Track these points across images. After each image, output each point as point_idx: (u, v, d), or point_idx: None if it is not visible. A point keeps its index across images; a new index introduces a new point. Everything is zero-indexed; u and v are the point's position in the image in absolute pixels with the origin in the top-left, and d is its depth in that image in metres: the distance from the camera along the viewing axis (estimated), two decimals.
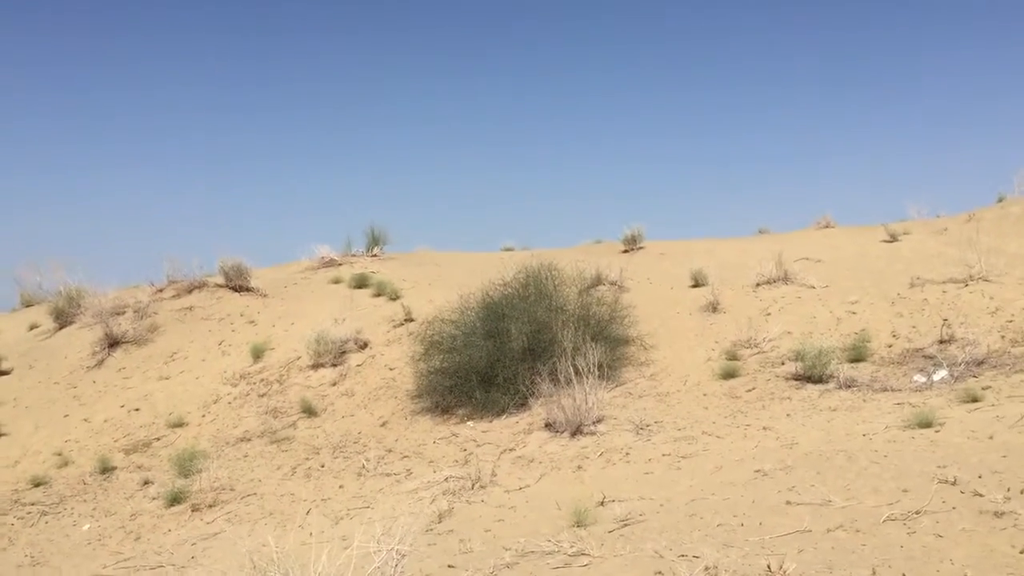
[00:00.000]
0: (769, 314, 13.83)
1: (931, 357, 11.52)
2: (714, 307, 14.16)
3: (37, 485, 11.89)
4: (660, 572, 5.48)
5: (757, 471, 8.04)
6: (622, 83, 61.65)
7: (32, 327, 17.53)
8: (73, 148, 59.22)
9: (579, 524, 7.05)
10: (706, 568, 5.25)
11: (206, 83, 60.20)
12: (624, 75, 61.33)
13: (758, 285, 14.94)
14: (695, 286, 15.27)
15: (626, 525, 6.81)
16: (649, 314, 14.05)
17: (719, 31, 59.52)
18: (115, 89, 59.23)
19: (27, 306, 19.42)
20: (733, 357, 12.48)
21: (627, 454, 9.63)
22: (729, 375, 11.91)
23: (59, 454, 12.73)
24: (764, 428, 9.79)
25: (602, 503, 7.67)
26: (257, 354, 14.74)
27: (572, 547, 6.21)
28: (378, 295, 16.51)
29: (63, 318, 16.74)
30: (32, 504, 11.23)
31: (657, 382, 12.24)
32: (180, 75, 60.49)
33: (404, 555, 5.50)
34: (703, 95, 60.44)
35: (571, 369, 10.83)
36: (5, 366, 15.60)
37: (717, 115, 60.99)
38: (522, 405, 11.85)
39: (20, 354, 16.09)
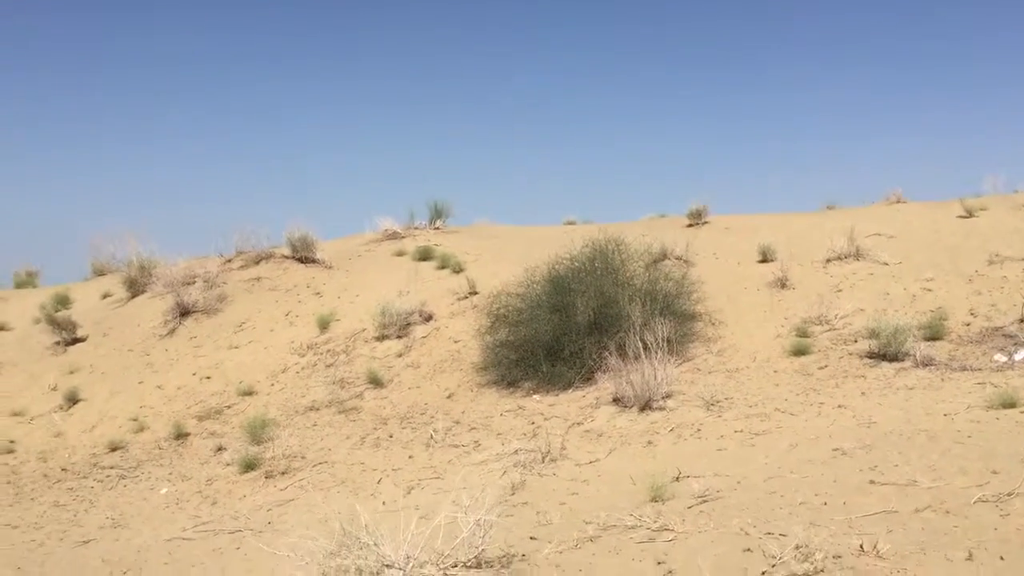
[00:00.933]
0: (840, 291, 13.57)
1: (1012, 336, 11.22)
2: (783, 283, 13.94)
3: (114, 449, 12.21)
4: (749, 549, 5.42)
5: (835, 450, 7.91)
6: (685, 56, 60.78)
7: (105, 296, 17.93)
8: (143, 118, 60.33)
9: (656, 499, 7.00)
10: (796, 546, 5.18)
11: (274, 53, 60.80)
12: (688, 48, 60.45)
13: (828, 261, 14.67)
14: (763, 261, 15.04)
15: (705, 501, 6.75)
16: (716, 289, 13.89)
17: (781, 3, 58.29)
18: (188, 63, 60.12)
19: (99, 275, 19.86)
20: (804, 334, 12.28)
21: (698, 430, 9.56)
22: (800, 352, 11.73)
23: (135, 419, 13.04)
24: (839, 406, 9.63)
25: (677, 479, 7.60)
26: (323, 325, 14.90)
27: (655, 522, 6.17)
28: (442, 268, 16.56)
29: (135, 287, 17.11)
30: (110, 467, 11.54)
31: (726, 358, 12.11)
32: (248, 46, 61.15)
33: (491, 526, 5.52)
34: (766, 68, 59.33)
35: (639, 344, 10.77)
36: (80, 333, 16.00)
37: (780, 88, 59.81)
38: (588, 379, 11.82)
39: (94, 322, 16.49)
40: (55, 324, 15.95)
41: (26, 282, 21.26)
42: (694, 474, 7.72)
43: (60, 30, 57.46)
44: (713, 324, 13.00)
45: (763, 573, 5.07)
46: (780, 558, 5.16)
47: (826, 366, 11.24)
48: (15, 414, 13.76)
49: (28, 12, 55.95)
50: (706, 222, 18.51)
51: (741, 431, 9.26)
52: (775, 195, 57.44)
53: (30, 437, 13.06)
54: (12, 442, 12.86)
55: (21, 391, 14.52)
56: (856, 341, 11.85)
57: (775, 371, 11.42)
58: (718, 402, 10.25)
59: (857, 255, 14.56)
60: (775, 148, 58.94)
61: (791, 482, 7.08)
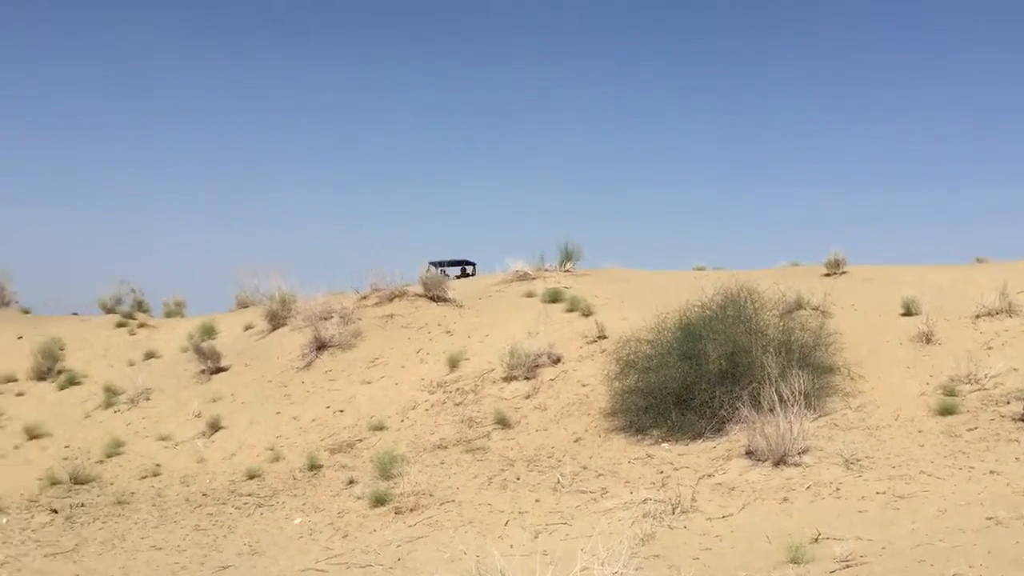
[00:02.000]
0: (991, 348, 12.87)
1: None
2: (927, 338, 13.32)
3: (252, 477, 12.65)
4: None
5: (989, 518, 7.48)
6: (825, 101, 59.46)
7: (247, 327, 18.72)
8: (288, 160, 63.16)
9: (794, 561, 6.77)
10: None
11: (418, 91, 62.75)
12: (827, 92, 59.13)
13: (978, 316, 13.95)
14: (906, 314, 14.42)
15: (848, 567, 6.48)
16: (855, 342, 13.37)
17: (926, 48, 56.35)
18: (324, 109, 62.71)
19: (242, 307, 20.78)
20: (951, 392, 11.67)
21: (837, 489, 9.19)
22: (947, 411, 11.15)
23: (271, 449, 13.51)
24: (991, 472, 9.10)
25: (816, 540, 7.34)
26: (453, 363, 15.12)
27: None
28: (571, 310, 16.59)
29: (276, 320, 17.81)
30: (248, 495, 11.96)
31: (866, 414, 11.62)
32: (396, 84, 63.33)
33: None
34: (909, 114, 57.36)
35: (774, 395, 10.47)
36: (224, 363, 16.74)
37: (924, 136, 57.66)
38: (719, 430, 11.55)
39: (237, 353, 17.23)
40: (201, 353, 16.75)
41: (174, 312, 22.42)
42: (834, 536, 7.44)
43: (248, 76, 60.99)
44: (852, 378, 12.51)
45: None
46: None
47: (976, 428, 10.64)
48: (162, 438, 14.47)
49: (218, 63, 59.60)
50: (844, 272, 17.92)
51: (884, 493, 8.86)
52: (919, 246, 55.15)
53: (174, 461, 13.69)
54: (158, 465, 13.52)
55: (168, 416, 15.28)
56: (1008, 403, 11.18)
57: (919, 431, 10.88)
58: (858, 460, 9.85)
59: (1009, 311, 13.79)
60: (919, 197, 56.68)
61: (941, 551, 6.72)
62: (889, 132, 57.91)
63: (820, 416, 11.44)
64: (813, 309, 14.71)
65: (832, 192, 58.91)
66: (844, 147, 59.85)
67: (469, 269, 25.91)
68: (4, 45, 55.83)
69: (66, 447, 14.53)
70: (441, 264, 25.54)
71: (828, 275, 17.89)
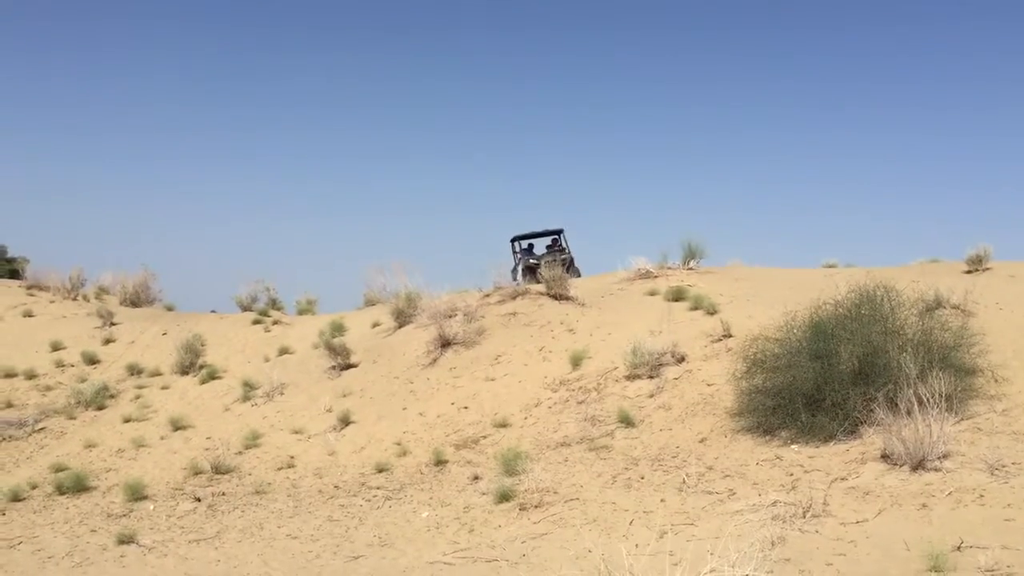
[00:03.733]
0: None
1: None
2: None
3: (380, 471, 13.00)
4: None
5: None
6: (969, 88, 56.65)
7: (374, 325, 19.23)
8: (424, 163, 64.59)
9: (936, 569, 6.50)
10: None
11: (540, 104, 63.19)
12: (973, 80, 56.30)
13: None
14: None
15: None
16: (1000, 343, 12.69)
17: None
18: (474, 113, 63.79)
19: (370, 305, 21.36)
20: None
21: (981, 496, 8.74)
22: None
23: (398, 444, 13.84)
24: None
25: (959, 548, 7.02)
26: (576, 362, 15.13)
27: None
28: (695, 309, 16.34)
29: (402, 318, 18.23)
30: (377, 488, 12.29)
31: (1011, 419, 11.01)
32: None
33: None
34: None
35: (912, 397, 10.03)
36: (353, 359, 17.25)
37: None
38: (852, 432, 11.15)
39: (365, 349, 17.72)
40: (331, 350, 17.30)
41: (306, 309, 23.25)
42: (978, 545, 7.10)
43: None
44: (996, 380, 11.86)
45: None
46: None
47: None
48: (295, 431, 15.03)
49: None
50: (987, 268, 17.02)
51: None
52: None
53: (307, 454, 14.19)
54: (292, 457, 14.04)
55: (301, 411, 15.85)
56: None
57: None
58: (1004, 466, 9.34)
59: None
60: None
61: None
62: None
63: (961, 420, 10.90)
64: (953, 308, 14.03)
65: (972, 185, 56.00)
66: (985, 140, 56.82)
67: (561, 241, 24.57)
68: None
69: (207, 438, 15.27)
70: (524, 238, 24.74)
71: (969, 272, 17.04)
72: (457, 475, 12.33)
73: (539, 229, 24.83)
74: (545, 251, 24.59)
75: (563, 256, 23.25)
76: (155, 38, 62.51)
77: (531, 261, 23.06)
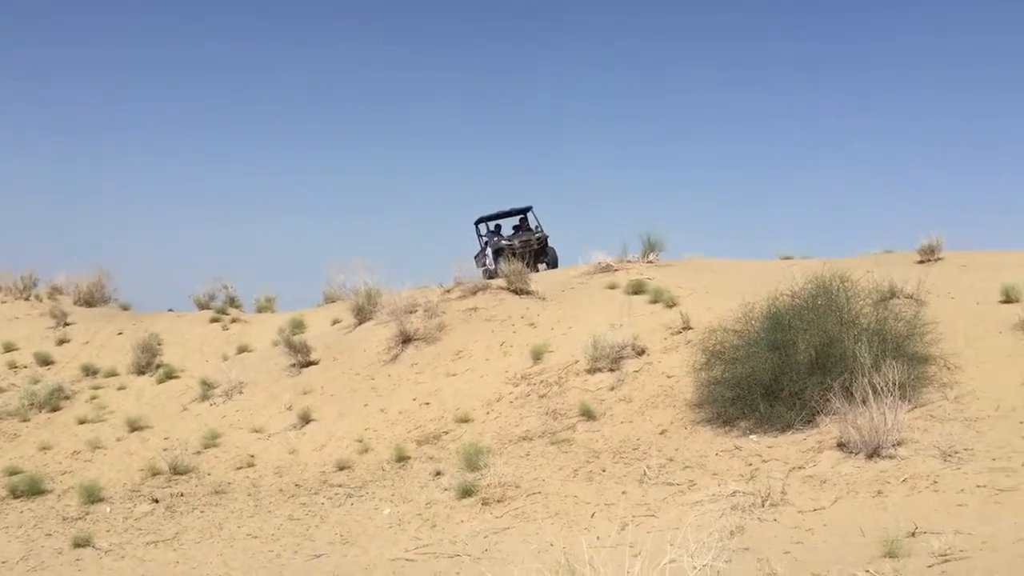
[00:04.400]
0: None
1: None
2: None
3: (342, 468, 12.92)
4: None
5: None
6: (915, 80, 57.56)
7: (335, 322, 19.12)
8: (377, 160, 64.23)
9: (890, 555, 6.59)
10: None
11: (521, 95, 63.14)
12: (920, 73, 57.19)
13: None
14: (1006, 302, 13.87)
15: (947, 561, 6.28)
16: (952, 331, 12.92)
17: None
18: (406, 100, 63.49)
19: (330, 302, 21.24)
20: None
21: (935, 482, 8.89)
22: None
23: (360, 441, 13.77)
24: None
25: (913, 534, 7.13)
26: (537, 356, 15.16)
27: None
28: (654, 301, 16.46)
29: (362, 314, 18.14)
30: (338, 486, 12.21)
31: (963, 406, 11.22)
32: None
33: (719, 572, 5.38)
34: (1006, 93, 55.05)
35: (867, 386, 10.18)
36: (313, 357, 17.14)
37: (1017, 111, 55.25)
38: (809, 421, 11.30)
39: (325, 346, 17.61)
40: (291, 347, 17.17)
41: (265, 307, 23.05)
42: (932, 530, 7.20)
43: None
44: (949, 368, 12.09)
45: None
46: None
47: None
48: (255, 430, 14.90)
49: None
50: (940, 258, 17.33)
51: (984, 486, 8.53)
52: (1019, 230, 52.88)
53: (267, 453, 14.08)
54: (252, 456, 13.92)
55: (260, 409, 15.71)
56: None
57: (1021, 422, 10.43)
58: (956, 453, 9.50)
59: None
60: (1019, 179, 54.38)
61: None
62: (986, 112, 55.65)
63: (915, 407, 11.10)
64: (907, 297, 14.28)
65: (925, 175, 56.97)
66: (938, 128, 57.83)
67: (529, 220, 23.90)
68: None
69: (165, 439, 15.08)
70: (490, 219, 23.91)
71: (922, 262, 17.34)
72: (419, 471, 12.30)
73: (505, 208, 24.13)
74: (513, 232, 23.95)
75: (536, 236, 22.85)
76: (90, 32, 61.45)
77: (502, 243, 22.38)
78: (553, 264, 22.51)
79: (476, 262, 23.29)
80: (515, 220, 24.36)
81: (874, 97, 58.92)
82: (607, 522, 9.23)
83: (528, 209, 23.88)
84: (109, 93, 60.99)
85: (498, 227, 24.22)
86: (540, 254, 22.22)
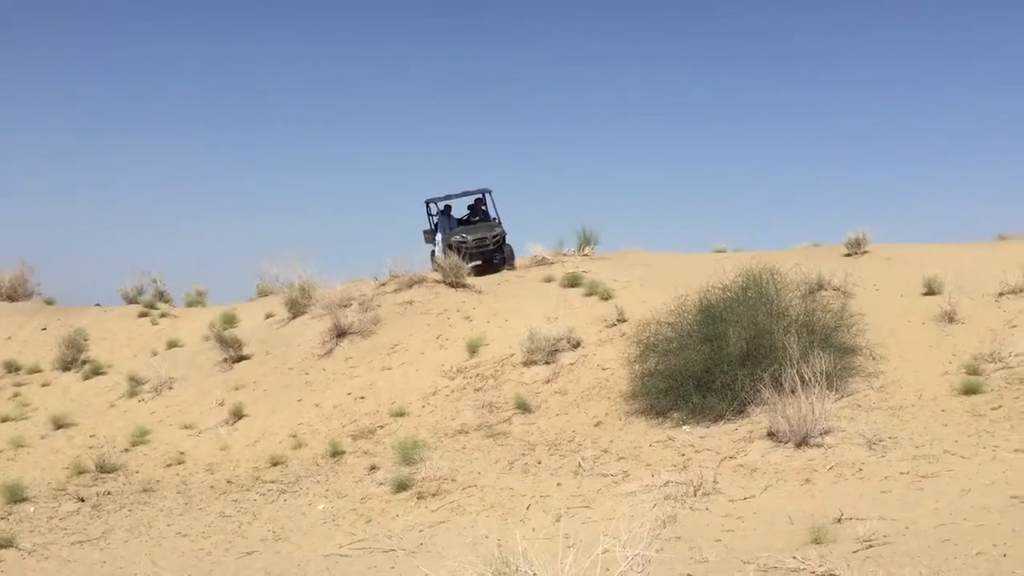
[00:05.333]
0: (1015, 326, 12.76)
1: None
2: (950, 317, 13.23)
3: (275, 464, 12.75)
4: None
5: (1014, 497, 7.41)
6: (840, 78, 58.89)
7: (268, 316, 18.82)
8: (305, 147, 63.33)
9: (817, 541, 6.75)
10: None
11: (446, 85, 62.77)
12: (843, 69, 58.51)
13: (1001, 295, 13.83)
14: (928, 294, 14.31)
15: (871, 546, 6.45)
16: (877, 323, 13.29)
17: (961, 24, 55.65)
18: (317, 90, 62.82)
19: (263, 296, 20.89)
20: (974, 372, 11.58)
21: (860, 469, 9.15)
22: (970, 391, 11.06)
23: (294, 436, 13.60)
24: (1016, 450, 9.03)
25: (839, 520, 7.32)
26: (473, 349, 15.14)
27: (820, 566, 5.95)
28: (590, 294, 16.57)
29: (296, 308, 17.89)
30: (271, 482, 12.05)
31: (888, 395, 11.56)
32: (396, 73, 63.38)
33: (649, 561, 5.45)
34: (931, 89, 56.67)
35: (796, 377, 10.41)
36: (246, 352, 16.86)
37: (945, 110, 56.97)
38: (740, 412, 11.51)
39: (258, 341, 17.34)
40: (223, 342, 16.86)
41: (196, 301, 22.57)
42: (857, 516, 7.40)
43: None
44: (874, 359, 12.44)
45: None
46: None
47: (1000, 407, 10.54)
48: (185, 427, 14.60)
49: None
50: (866, 252, 17.79)
51: (907, 473, 8.81)
52: (941, 224, 54.29)
53: (198, 449, 13.82)
54: (182, 453, 13.65)
55: (191, 405, 15.41)
56: None
57: (943, 410, 10.80)
58: (881, 441, 9.78)
59: None
60: (941, 175, 55.98)
61: (965, 530, 6.68)
62: (909, 108, 57.20)
63: (842, 397, 11.38)
64: (834, 290, 14.65)
65: (852, 171, 58.32)
66: (863, 124, 59.26)
67: (486, 205, 21.36)
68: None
69: (92, 436, 14.69)
70: (439, 200, 21.22)
71: (849, 255, 17.78)
72: (354, 466, 12.20)
73: (458, 191, 21.34)
74: (468, 215, 21.61)
75: (495, 233, 20.29)
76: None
77: (456, 238, 19.86)
78: (509, 263, 20.21)
79: (425, 237, 21.51)
80: (469, 200, 21.78)
81: (803, 92, 60.04)
82: (542, 514, 9.29)
83: (487, 192, 21.40)
84: (23, 68, 58.84)
85: (448, 208, 21.52)
86: (496, 252, 20.08)
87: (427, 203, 21.57)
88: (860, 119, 58.82)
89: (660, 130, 62.82)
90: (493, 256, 19.98)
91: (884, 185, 55.41)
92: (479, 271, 19.53)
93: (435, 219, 21.40)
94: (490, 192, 21.34)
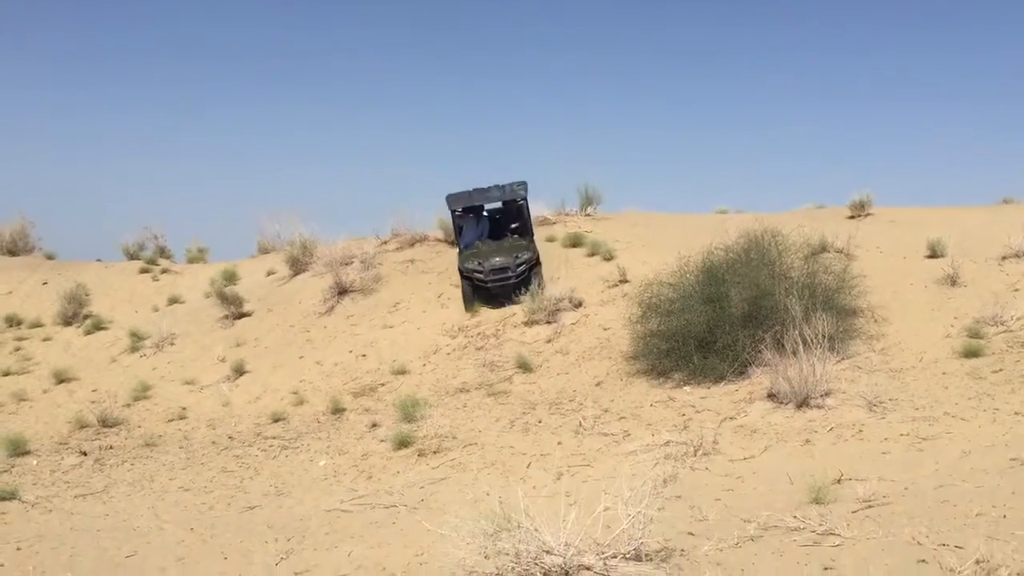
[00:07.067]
0: (1017, 290, 12.75)
1: None
2: (953, 280, 13.20)
3: (276, 420, 12.79)
4: (924, 560, 5.16)
5: (1013, 459, 7.44)
6: (846, 40, 58.25)
7: (269, 273, 18.79)
8: (307, 103, 62.86)
9: (816, 501, 6.78)
10: (977, 561, 4.90)
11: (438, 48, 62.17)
12: (851, 32, 57.86)
13: (1004, 258, 13.80)
14: (931, 257, 14.28)
15: (870, 506, 6.48)
16: (879, 285, 13.27)
17: None
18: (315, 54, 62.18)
19: (264, 253, 20.85)
20: (975, 335, 11.59)
21: (860, 431, 9.18)
22: (971, 354, 11.08)
23: (295, 393, 13.64)
24: (1016, 413, 9.06)
25: (839, 481, 7.35)
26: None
27: (820, 525, 5.97)
28: (592, 255, 16.52)
29: (297, 266, 17.86)
30: (273, 438, 12.09)
31: (889, 357, 11.57)
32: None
33: (650, 519, 5.47)
34: (936, 53, 56.07)
35: (797, 338, 10.40)
36: (247, 308, 16.85)
37: (951, 75, 56.43)
38: (741, 373, 11.54)
39: (259, 298, 17.32)
40: (224, 299, 16.84)
41: (197, 258, 22.54)
42: (857, 477, 7.44)
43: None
44: (876, 321, 12.44)
45: None
46: (959, 572, 4.89)
47: (1001, 370, 10.57)
48: (187, 382, 14.63)
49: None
50: (869, 214, 17.73)
51: (907, 435, 8.84)
52: (945, 188, 54.01)
53: (200, 405, 13.86)
54: (184, 409, 13.69)
55: (192, 361, 15.43)
56: None
57: (944, 373, 10.83)
58: (881, 403, 9.81)
59: None
60: (947, 138, 55.58)
61: (965, 492, 6.70)
62: (915, 70, 56.66)
63: (843, 359, 11.39)
64: (837, 252, 14.60)
65: (858, 132, 57.92)
66: (870, 85, 58.75)
67: (523, 214, 16.30)
68: None
69: (93, 391, 14.74)
70: (468, 204, 16.07)
71: (852, 217, 17.72)
72: (355, 423, 12.24)
73: (487, 185, 16.08)
74: (494, 221, 16.75)
75: (521, 259, 15.22)
76: None
77: (469, 265, 15.27)
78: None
79: (456, 241, 16.66)
80: (498, 203, 16.50)
81: (810, 55, 59.44)
82: (543, 472, 9.33)
83: (523, 188, 16.08)
84: (33, 22, 58.29)
85: (475, 210, 16.49)
86: (522, 285, 15.02)
87: (448, 200, 16.16)
88: (866, 80, 58.30)
89: (663, 89, 62.30)
90: (517, 289, 15.05)
91: (889, 148, 55.09)
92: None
93: (460, 227, 16.53)
94: (526, 191, 16.22)
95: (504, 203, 16.51)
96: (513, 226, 16.57)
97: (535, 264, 15.41)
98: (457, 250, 16.15)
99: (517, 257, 15.23)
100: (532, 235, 16.24)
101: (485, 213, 16.79)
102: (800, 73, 59.46)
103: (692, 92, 62.18)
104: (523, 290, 14.90)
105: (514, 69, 63.02)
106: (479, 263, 15.21)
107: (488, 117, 63.59)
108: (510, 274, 15.05)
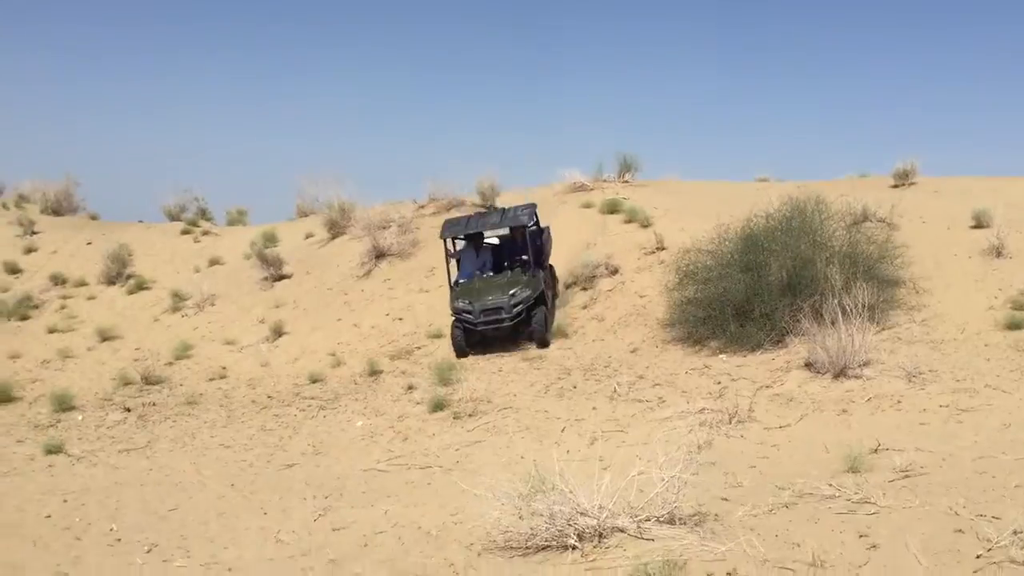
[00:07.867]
0: None
1: None
2: (998, 251, 12.95)
3: (314, 381, 12.97)
4: (960, 530, 5.14)
5: None
6: (892, 8, 56.90)
7: (308, 236, 18.95)
8: (358, 75, 62.93)
9: (852, 470, 6.76)
10: (1015, 531, 4.86)
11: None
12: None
13: None
14: (976, 227, 14.00)
15: (907, 476, 6.45)
16: (922, 255, 13.07)
17: None
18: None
19: (303, 216, 21.00)
20: (1020, 307, 11.39)
21: (898, 402, 9.11)
22: (1015, 326, 10.90)
23: (333, 354, 13.80)
24: None
25: (876, 451, 7.31)
26: None
27: (855, 494, 5.95)
28: (629, 221, 16.42)
29: (335, 229, 18.00)
30: (311, 398, 12.27)
31: (930, 328, 11.42)
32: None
33: (685, 483, 5.49)
34: (984, 23, 54.64)
35: (837, 308, 10.30)
36: (286, 271, 17.03)
37: (995, 43, 54.95)
38: (778, 342, 11.47)
39: (298, 260, 17.49)
40: (264, 260, 17.04)
41: (237, 220, 22.80)
42: (894, 447, 7.40)
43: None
44: (917, 292, 12.27)
45: (978, 557, 4.79)
46: (997, 542, 4.86)
47: None
48: (227, 342, 14.87)
49: None
50: (913, 183, 17.39)
51: (946, 406, 8.75)
52: (992, 158, 52.95)
53: (239, 365, 14.09)
54: (224, 368, 13.93)
55: (232, 322, 15.67)
56: None
57: (986, 345, 10.68)
58: (921, 374, 9.71)
59: None
60: (992, 106, 54.29)
61: (1004, 463, 6.65)
62: (963, 42, 55.28)
63: (883, 329, 11.27)
64: (879, 221, 14.37)
65: (902, 102, 56.79)
66: (915, 55, 57.46)
67: (536, 244, 13.88)
68: None
69: (137, 349, 15.03)
70: (465, 231, 14.05)
71: (896, 187, 17.40)
72: (391, 385, 12.37)
73: (486, 209, 15.54)
74: (496, 244, 14.66)
75: (517, 298, 13.06)
76: None
77: (459, 304, 13.23)
78: (538, 336, 13.14)
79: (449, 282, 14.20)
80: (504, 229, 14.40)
81: (856, 22, 58.25)
82: (577, 437, 9.37)
83: (523, 219, 13.92)
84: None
85: (476, 243, 14.38)
86: (522, 325, 13.19)
87: (442, 230, 14.15)
88: (911, 50, 57.01)
89: (706, 58, 61.46)
90: (516, 330, 13.25)
91: (935, 117, 53.98)
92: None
93: (456, 257, 14.48)
94: (536, 216, 14.44)
95: (510, 230, 14.35)
96: (523, 257, 13.96)
97: (539, 302, 13.27)
98: (456, 303, 13.37)
99: (513, 295, 13.07)
100: (544, 268, 14.10)
101: (488, 243, 14.57)
102: (846, 42, 58.31)
103: (734, 59, 61.29)
104: (525, 331, 13.16)
105: (556, 34, 62.51)
106: (469, 302, 13.14)
107: (528, 85, 63.25)
108: (503, 315, 13.00)
